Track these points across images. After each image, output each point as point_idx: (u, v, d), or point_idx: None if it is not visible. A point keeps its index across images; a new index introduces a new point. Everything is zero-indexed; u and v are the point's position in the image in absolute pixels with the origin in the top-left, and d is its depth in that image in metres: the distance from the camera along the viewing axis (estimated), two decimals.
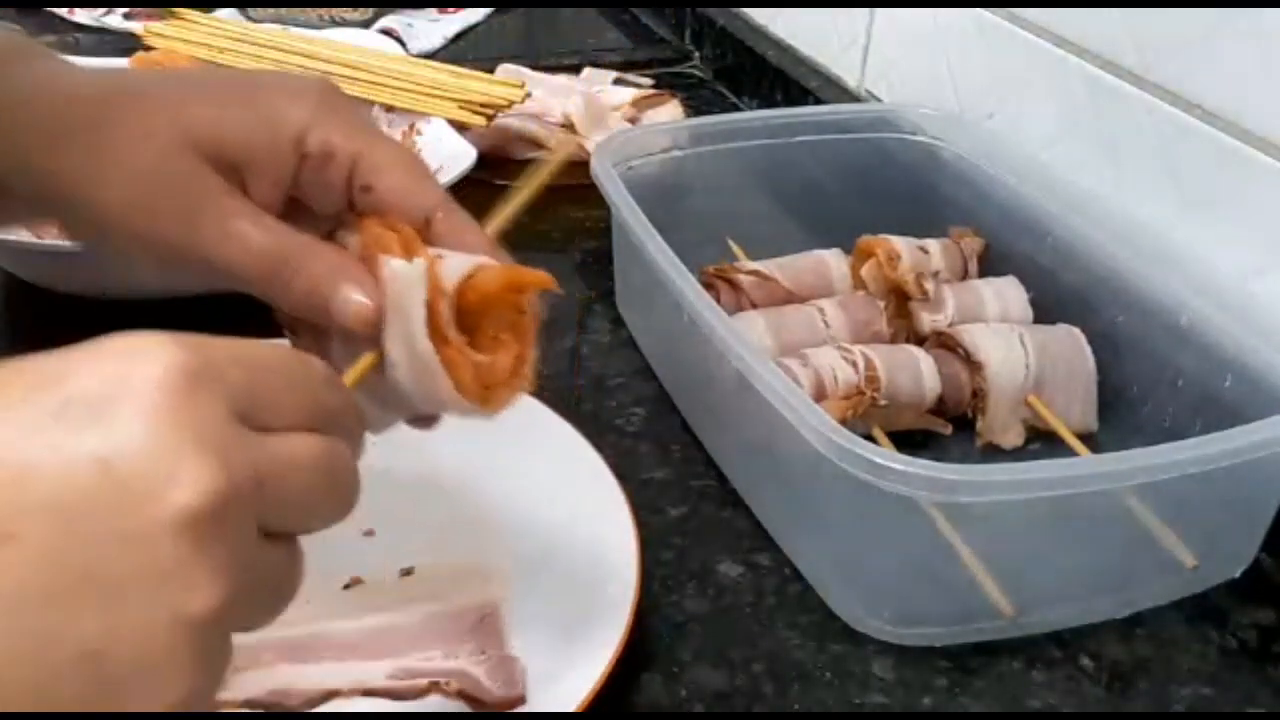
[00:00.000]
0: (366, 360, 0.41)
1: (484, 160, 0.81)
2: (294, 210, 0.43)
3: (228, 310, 0.72)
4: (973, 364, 0.65)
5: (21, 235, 0.77)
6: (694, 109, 1.06)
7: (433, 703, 0.49)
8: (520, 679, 0.49)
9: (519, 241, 0.93)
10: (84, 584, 0.27)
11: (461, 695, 0.49)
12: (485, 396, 0.44)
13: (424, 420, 0.46)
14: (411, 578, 0.55)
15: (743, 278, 0.72)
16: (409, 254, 0.42)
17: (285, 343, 0.46)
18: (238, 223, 0.41)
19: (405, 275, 0.42)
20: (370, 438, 0.39)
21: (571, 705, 0.47)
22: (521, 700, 0.49)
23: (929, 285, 0.70)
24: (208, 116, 0.42)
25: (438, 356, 0.42)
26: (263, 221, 0.41)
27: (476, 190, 0.86)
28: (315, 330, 0.44)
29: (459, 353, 0.42)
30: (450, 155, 0.81)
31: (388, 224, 0.44)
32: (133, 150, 0.41)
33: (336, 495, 0.33)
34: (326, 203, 0.44)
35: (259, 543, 0.30)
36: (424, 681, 0.49)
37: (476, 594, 0.53)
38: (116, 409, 0.28)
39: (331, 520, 0.33)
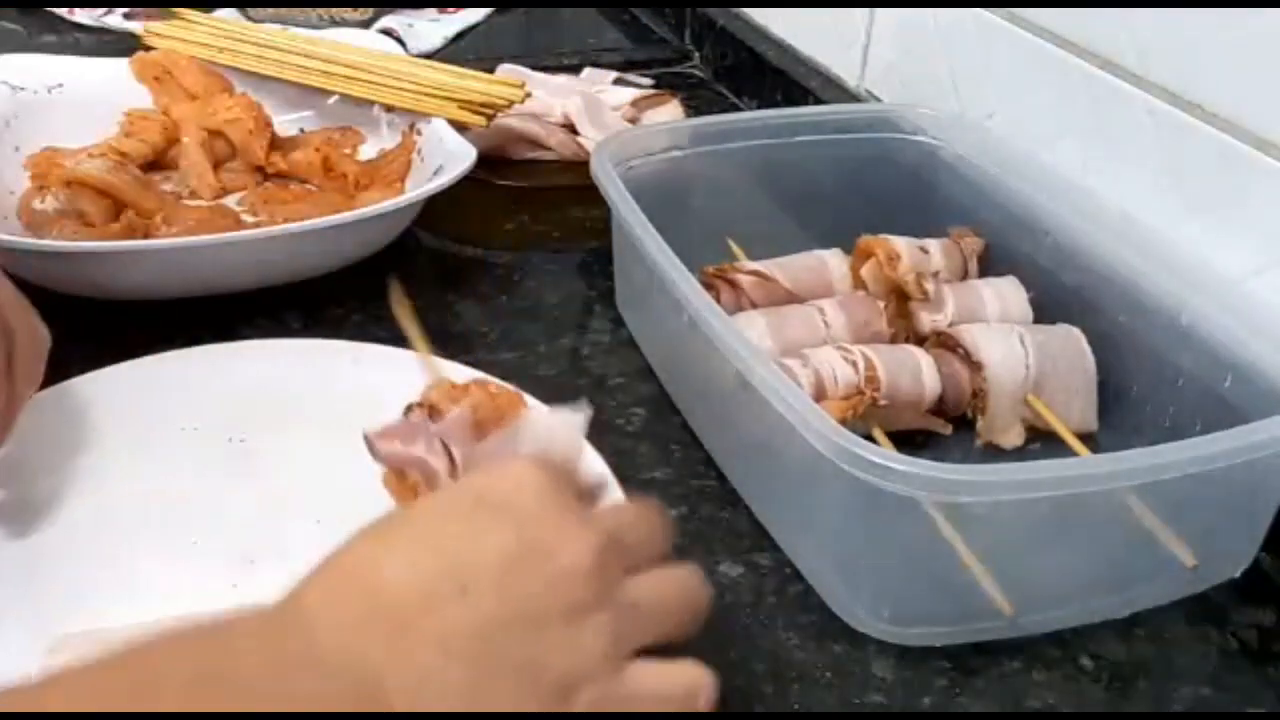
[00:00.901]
0: None
1: (484, 160, 0.81)
2: None
3: (223, 311, 0.73)
4: (973, 364, 0.65)
5: (21, 235, 0.77)
6: (694, 109, 1.06)
7: None
8: None
9: (520, 241, 0.94)
10: (520, 616, 0.37)
11: None
12: None
13: None
14: None
15: (743, 278, 0.72)
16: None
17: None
18: None
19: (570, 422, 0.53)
20: None
21: None
22: None
23: (929, 285, 0.70)
24: None
25: None
26: None
27: (476, 190, 0.87)
28: None
29: None
30: (450, 155, 0.80)
31: (489, 389, 0.56)
32: None
33: (654, 525, 0.43)
34: None
35: (626, 577, 0.40)
36: None
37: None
38: (514, 500, 0.39)
39: (659, 543, 0.42)
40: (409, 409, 0.57)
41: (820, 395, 0.63)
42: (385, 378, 0.64)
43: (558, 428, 0.55)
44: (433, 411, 0.56)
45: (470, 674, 0.36)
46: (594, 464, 0.59)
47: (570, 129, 0.98)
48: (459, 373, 0.62)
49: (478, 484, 0.41)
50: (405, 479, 0.55)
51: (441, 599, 0.37)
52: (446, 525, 0.39)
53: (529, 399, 0.57)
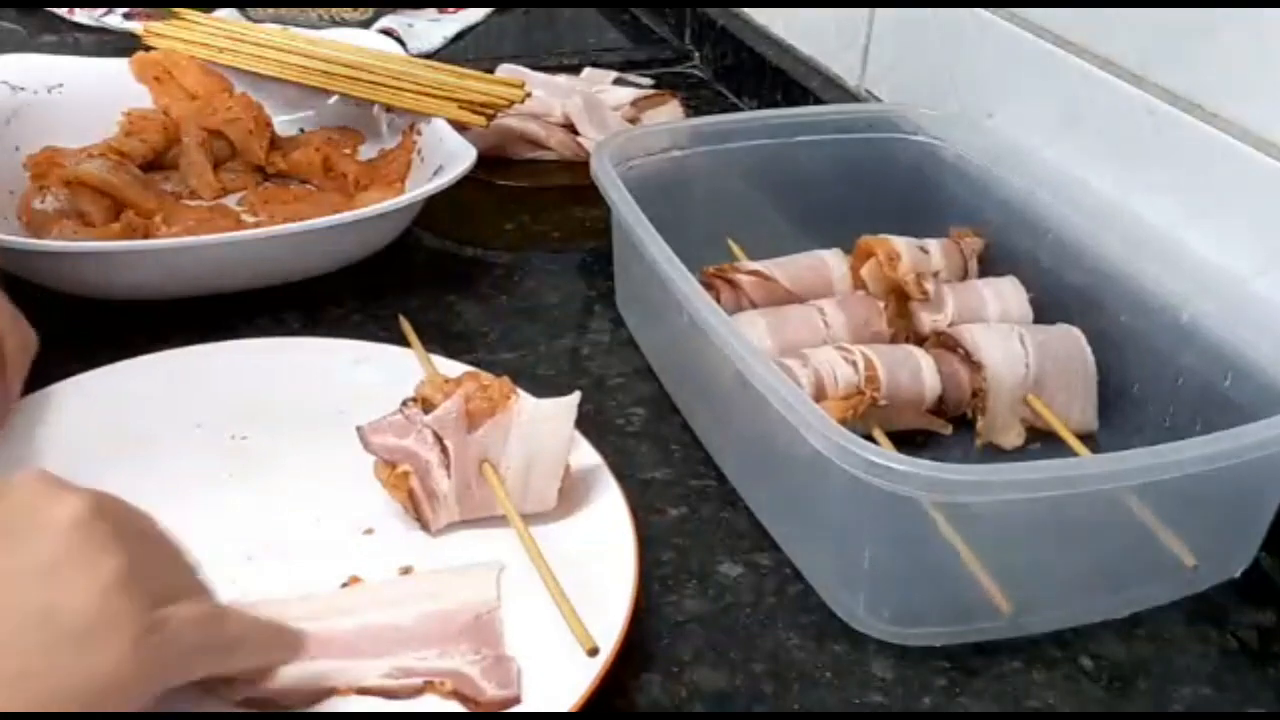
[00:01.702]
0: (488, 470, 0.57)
1: (484, 160, 0.81)
2: None
3: (223, 311, 0.73)
4: (973, 364, 0.65)
5: (21, 235, 0.77)
6: (694, 109, 1.06)
7: (428, 702, 0.49)
8: (515, 679, 0.49)
9: (520, 241, 0.94)
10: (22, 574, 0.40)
11: (456, 695, 0.49)
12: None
13: None
14: (410, 576, 0.55)
15: (743, 278, 0.72)
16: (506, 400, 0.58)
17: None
18: None
19: (559, 411, 0.57)
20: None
21: (567, 705, 0.47)
22: (516, 700, 0.49)
23: (929, 285, 0.70)
24: None
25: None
26: None
27: (476, 190, 0.86)
28: None
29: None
30: (450, 155, 0.80)
31: (481, 381, 0.58)
32: None
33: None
34: None
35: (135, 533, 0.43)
36: (419, 681, 0.49)
37: (474, 593, 0.53)
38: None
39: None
40: (404, 403, 0.58)
41: (820, 395, 0.63)
42: (385, 376, 0.64)
43: (548, 416, 0.57)
44: (426, 404, 0.57)
45: None
46: (587, 456, 0.60)
47: (570, 129, 0.98)
48: (455, 370, 0.63)
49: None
50: (396, 469, 0.57)
51: None
52: None
53: (520, 390, 0.58)
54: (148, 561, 0.43)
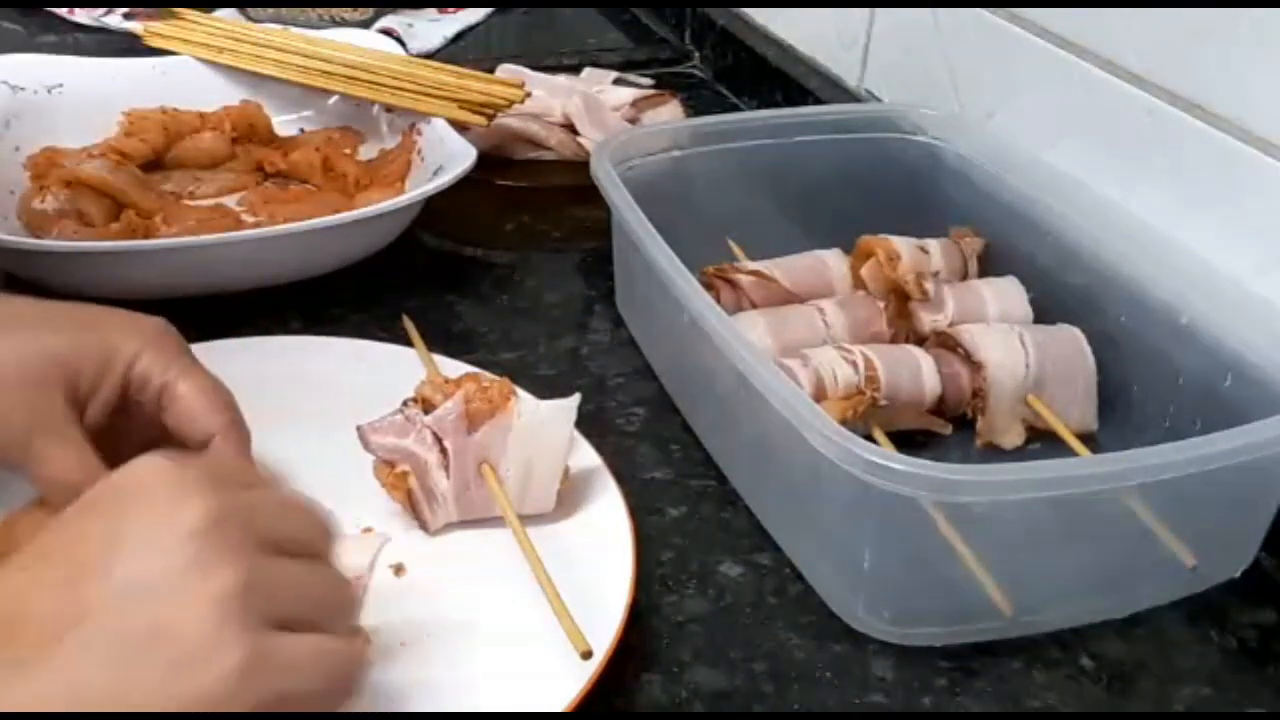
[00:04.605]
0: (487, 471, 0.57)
1: (484, 160, 0.81)
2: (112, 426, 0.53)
3: (223, 311, 0.73)
4: (973, 364, 0.65)
5: (21, 235, 0.77)
6: (694, 109, 1.05)
7: None
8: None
9: (520, 241, 0.94)
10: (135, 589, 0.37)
11: None
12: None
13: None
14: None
15: (743, 278, 0.72)
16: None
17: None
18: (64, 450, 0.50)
19: (559, 413, 0.57)
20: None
21: (561, 707, 0.47)
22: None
23: (929, 285, 0.70)
24: (63, 343, 0.51)
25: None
26: (82, 455, 0.51)
27: (476, 190, 0.86)
28: None
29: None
30: (450, 155, 0.80)
31: (481, 382, 0.58)
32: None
33: (300, 515, 0.44)
34: (140, 421, 0.53)
35: (259, 553, 0.39)
36: None
37: (347, 560, 0.54)
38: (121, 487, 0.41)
39: (305, 535, 0.43)
40: (404, 403, 0.58)
41: (820, 395, 0.63)
42: (385, 376, 0.64)
43: (547, 418, 0.57)
44: (426, 405, 0.57)
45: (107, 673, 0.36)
46: (587, 456, 0.60)
47: (570, 129, 0.98)
48: (456, 370, 0.63)
49: (92, 491, 0.41)
50: (395, 469, 0.57)
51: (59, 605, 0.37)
52: (59, 534, 0.40)
53: (520, 391, 0.58)
54: (268, 577, 0.39)
